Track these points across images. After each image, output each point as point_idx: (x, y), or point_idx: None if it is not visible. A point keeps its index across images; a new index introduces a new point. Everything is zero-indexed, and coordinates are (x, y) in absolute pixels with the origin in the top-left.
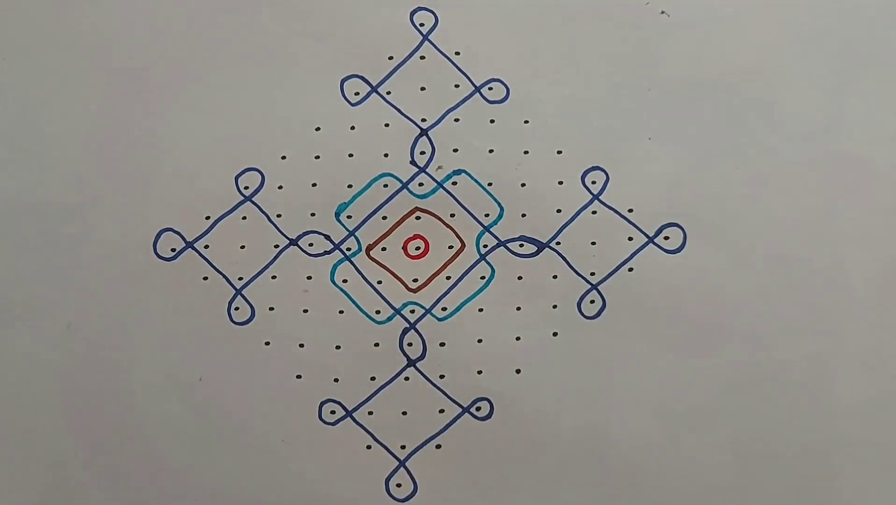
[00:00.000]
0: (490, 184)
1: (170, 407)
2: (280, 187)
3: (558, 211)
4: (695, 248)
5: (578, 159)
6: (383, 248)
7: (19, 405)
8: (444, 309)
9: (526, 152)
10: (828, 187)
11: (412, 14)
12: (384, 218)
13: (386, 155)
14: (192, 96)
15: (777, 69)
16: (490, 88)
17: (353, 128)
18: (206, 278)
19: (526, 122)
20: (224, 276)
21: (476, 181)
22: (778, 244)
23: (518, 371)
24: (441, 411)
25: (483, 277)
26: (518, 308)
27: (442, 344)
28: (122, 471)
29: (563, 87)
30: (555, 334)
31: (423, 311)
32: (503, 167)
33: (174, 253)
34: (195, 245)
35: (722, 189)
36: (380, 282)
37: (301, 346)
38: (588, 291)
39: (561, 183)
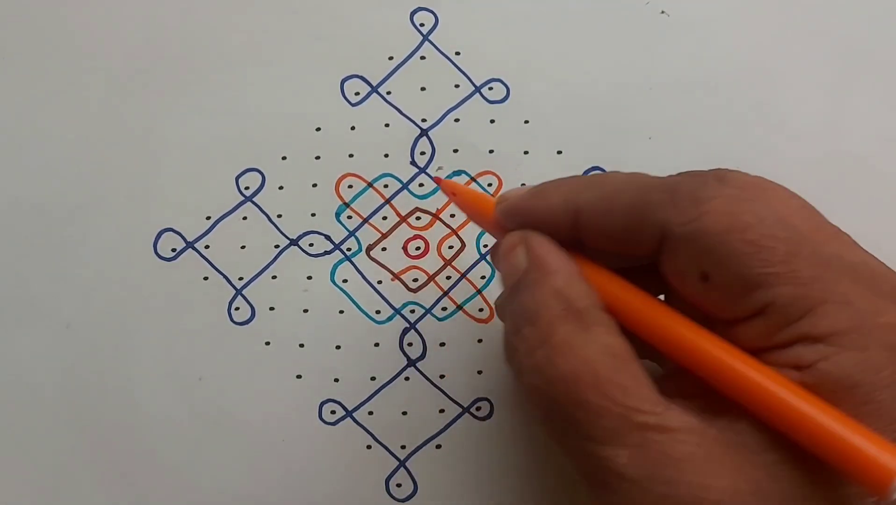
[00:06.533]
0: (490, 184)
1: (170, 407)
2: (280, 187)
3: None
4: None
5: (578, 159)
6: (383, 249)
7: (19, 405)
8: (444, 309)
9: (526, 152)
10: (828, 187)
11: (412, 14)
12: (384, 218)
13: (386, 155)
14: (192, 96)
15: (777, 69)
16: (490, 88)
17: (353, 128)
18: (206, 278)
19: (526, 122)
20: (224, 276)
21: (476, 181)
22: None
23: None
24: (441, 411)
25: (483, 277)
26: None
27: (442, 344)
28: (122, 471)
29: (563, 87)
30: None
31: (424, 311)
32: (503, 167)
33: (174, 253)
34: (195, 245)
35: None
36: (380, 282)
37: (301, 346)
38: None
39: None
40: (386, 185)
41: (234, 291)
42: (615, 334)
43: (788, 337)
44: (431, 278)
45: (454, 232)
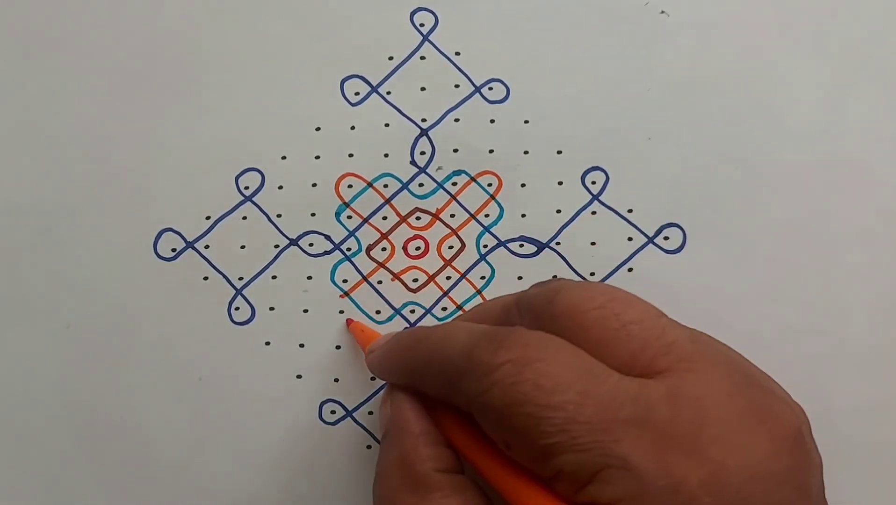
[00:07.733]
0: (490, 184)
1: (170, 407)
2: (280, 187)
3: (558, 211)
4: (694, 249)
5: (578, 159)
6: (383, 249)
7: (19, 405)
8: (444, 309)
9: (526, 152)
10: (828, 188)
11: (412, 14)
12: (384, 218)
13: (386, 155)
14: (192, 96)
15: (777, 69)
16: (490, 88)
17: (353, 128)
18: (206, 278)
19: (526, 122)
20: (224, 276)
21: (476, 181)
22: (778, 244)
23: None
24: None
25: (483, 277)
26: None
27: None
28: (122, 471)
29: (563, 87)
30: None
31: (424, 311)
32: (503, 167)
33: (174, 253)
34: (195, 245)
35: (722, 189)
36: (380, 282)
37: (301, 346)
38: None
39: (561, 183)
40: (386, 185)
41: (234, 291)
42: (454, 495)
43: (583, 500)
44: (431, 278)
45: (454, 232)
